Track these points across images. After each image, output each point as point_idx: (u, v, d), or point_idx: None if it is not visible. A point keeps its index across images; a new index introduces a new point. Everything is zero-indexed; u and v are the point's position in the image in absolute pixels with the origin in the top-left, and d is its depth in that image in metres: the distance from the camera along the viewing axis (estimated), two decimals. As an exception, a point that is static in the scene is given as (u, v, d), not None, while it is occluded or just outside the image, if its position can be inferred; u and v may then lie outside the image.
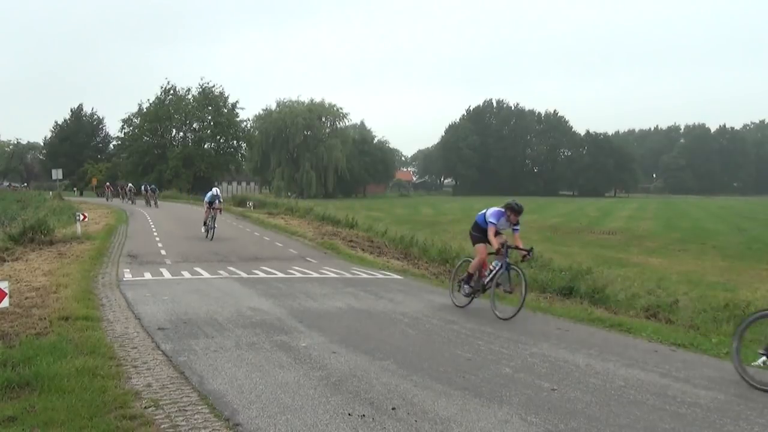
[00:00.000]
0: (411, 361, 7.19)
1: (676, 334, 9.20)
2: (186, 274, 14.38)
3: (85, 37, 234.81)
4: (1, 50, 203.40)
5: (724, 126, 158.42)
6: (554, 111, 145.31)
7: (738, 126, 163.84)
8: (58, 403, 5.35)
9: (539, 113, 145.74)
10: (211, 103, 75.69)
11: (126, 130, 76.95)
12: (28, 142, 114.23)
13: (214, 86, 76.42)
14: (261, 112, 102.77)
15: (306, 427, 5.08)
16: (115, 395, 5.67)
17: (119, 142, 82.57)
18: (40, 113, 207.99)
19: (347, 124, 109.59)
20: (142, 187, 52.40)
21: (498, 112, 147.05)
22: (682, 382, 6.59)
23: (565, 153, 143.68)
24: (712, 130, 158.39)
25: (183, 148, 74.32)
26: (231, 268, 15.51)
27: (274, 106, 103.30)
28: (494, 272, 10.12)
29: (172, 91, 76.40)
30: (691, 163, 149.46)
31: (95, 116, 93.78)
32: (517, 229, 10.18)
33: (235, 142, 79.55)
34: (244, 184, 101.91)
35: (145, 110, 75.18)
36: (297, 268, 16.07)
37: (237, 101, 78.61)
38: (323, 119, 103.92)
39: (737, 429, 5.27)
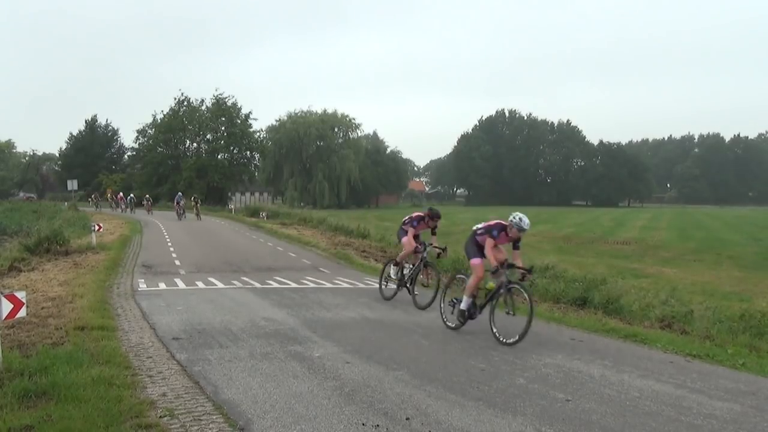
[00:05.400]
0: (425, 371, 7.19)
1: (692, 344, 9.14)
2: (200, 284, 14.44)
3: (100, 49, 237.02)
4: (17, 62, 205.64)
5: (739, 135, 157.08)
6: (567, 121, 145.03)
7: (753, 135, 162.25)
8: (74, 412, 5.40)
9: (552, 123, 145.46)
10: (225, 113, 76.11)
11: (140, 141, 77.64)
12: (44, 153, 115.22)
13: (227, 97, 76.95)
14: (274, 122, 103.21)
15: (320, 437, 5.08)
16: (130, 404, 5.71)
17: (134, 153, 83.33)
18: (55, 124, 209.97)
19: (360, 134, 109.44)
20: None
21: (511, 122, 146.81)
22: (697, 393, 6.55)
23: (579, 163, 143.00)
24: (727, 140, 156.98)
25: (197, 159, 74.73)
26: (245, 279, 15.56)
27: (286, 117, 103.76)
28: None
29: (185, 102, 76.98)
30: (705, 172, 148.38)
31: (110, 127, 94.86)
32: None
33: (248, 152, 79.91)
34: (257, 194, 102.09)
35: (159, 121, 75.75)
36: (310, 278, 16.10)
37: (250, 112, 79.33)
38: (336, 129, 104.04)
39: (754, 441, 5.23)
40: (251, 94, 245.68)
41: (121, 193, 58.07)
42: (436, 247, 11.84)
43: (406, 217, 12.51)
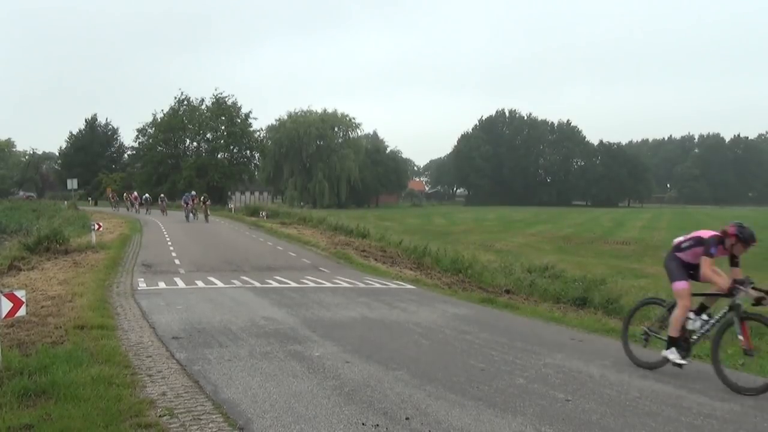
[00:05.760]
0: (424, 371, 7.18)
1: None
2: (200, 284, 14.43)
3: (100, 48, 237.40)
4: (17, 60, 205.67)
5: (739, 135, 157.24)
6: (567, 121, 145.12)
7: (753, 136, 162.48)
8: (74, 411, 5.38)
9: (552, 123, 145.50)
10: (225, 113, 76.03)
11: (140, 140, 77.63)
12: (44, 152, 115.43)
13: (227, 96, 76.90)
14: (274, 122, 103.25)
15: (320, 436, 5.07)
16: (130, 404, 5.70)
17: (134, 152, 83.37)
18: (55, 123, 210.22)
19: (360, 134, 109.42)
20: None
21: (510, 122, 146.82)
22: (697, 394, 6.54)
23: (579, 163, 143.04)
24: (727, 140, 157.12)
25: (197, 158, 74.70)
26: (244, 278, 15.56)
27: (286, 117, 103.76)
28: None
29: (185, 102, 76.95)
30: (705, 173, 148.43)
31: (110, 126, 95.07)
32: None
33: (248, 152, 79.84)
34: (257, 193, 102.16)
35: (159, 120, 75.72)
36: (310, 277, 16.10)
37: (250, 111, 79.21)
38: (336, 129, 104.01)
39: (754, 441, 5.21)
40: (251, 94, 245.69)
41: (135, 193, 57.56)
42: (756, 288, 6.94)
43: (685, 239, 7.47)
